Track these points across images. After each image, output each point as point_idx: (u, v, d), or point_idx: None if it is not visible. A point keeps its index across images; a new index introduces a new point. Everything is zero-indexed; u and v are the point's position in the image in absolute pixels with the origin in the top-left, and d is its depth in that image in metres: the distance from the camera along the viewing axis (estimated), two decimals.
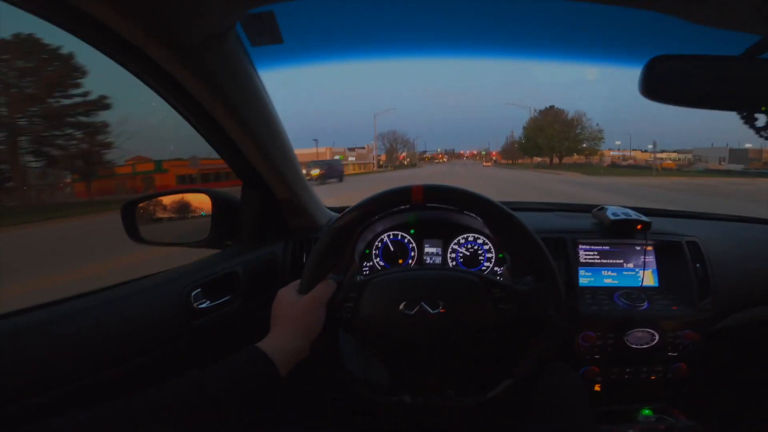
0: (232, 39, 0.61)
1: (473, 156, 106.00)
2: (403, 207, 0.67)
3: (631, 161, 43.22)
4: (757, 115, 0.69)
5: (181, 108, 0.69)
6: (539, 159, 48.25)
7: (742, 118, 0.71)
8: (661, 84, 0.63)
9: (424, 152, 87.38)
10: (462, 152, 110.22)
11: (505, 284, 0.62)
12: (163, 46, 0.54)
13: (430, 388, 0.64)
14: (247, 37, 0.65)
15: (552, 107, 46.93)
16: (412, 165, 65.82)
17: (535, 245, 0.62)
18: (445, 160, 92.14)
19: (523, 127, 49.69)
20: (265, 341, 0.56)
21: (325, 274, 0.65)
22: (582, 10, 0.68)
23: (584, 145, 43.79)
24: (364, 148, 55.53)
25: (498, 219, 0.63)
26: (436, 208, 0.99)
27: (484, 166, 55.39)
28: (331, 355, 0.65)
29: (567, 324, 0.63)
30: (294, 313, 0.60)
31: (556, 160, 44.52)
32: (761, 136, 0.72)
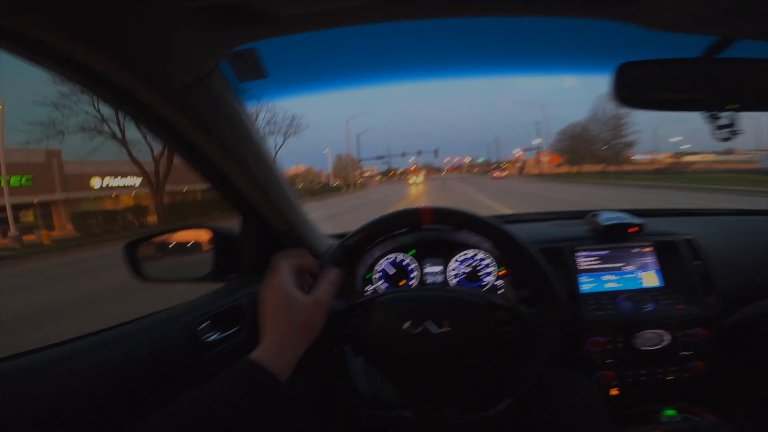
0: (217, 78, 0.62)
1: (453, 170, 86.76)
2: (406, 229, 0.69)
3: None
4: (720, 114, 0.73)
5: (176, 147, 0.69)
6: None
7: (705, 117, 0.76)
8: (631, 90, 0.66)
9: (384, 157, 58.98)
10: (447, 160, 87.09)
11: (509, 306, 0.64)
12: (151, 89, 0.54)
13: (432, 405, 0.66)
14: (234, 74, 0.66)
15: None
16: (345, 187, 37.86)
17: (543, 275, 0.65)
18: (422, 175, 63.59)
19: None
20: (261, 350, 0.51)
21: None
22: (551, 24, 0.72)
23: None
24: None
25: (509, 246, 0.66)
26: (438, 229, 0.99)
27: (494, 178, 41.59)
28: (336, 370, 0.66)
29: (566, 345, 0.65)
30: (295, 318, 0.53)
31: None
32: (715, 136, 0.76)
